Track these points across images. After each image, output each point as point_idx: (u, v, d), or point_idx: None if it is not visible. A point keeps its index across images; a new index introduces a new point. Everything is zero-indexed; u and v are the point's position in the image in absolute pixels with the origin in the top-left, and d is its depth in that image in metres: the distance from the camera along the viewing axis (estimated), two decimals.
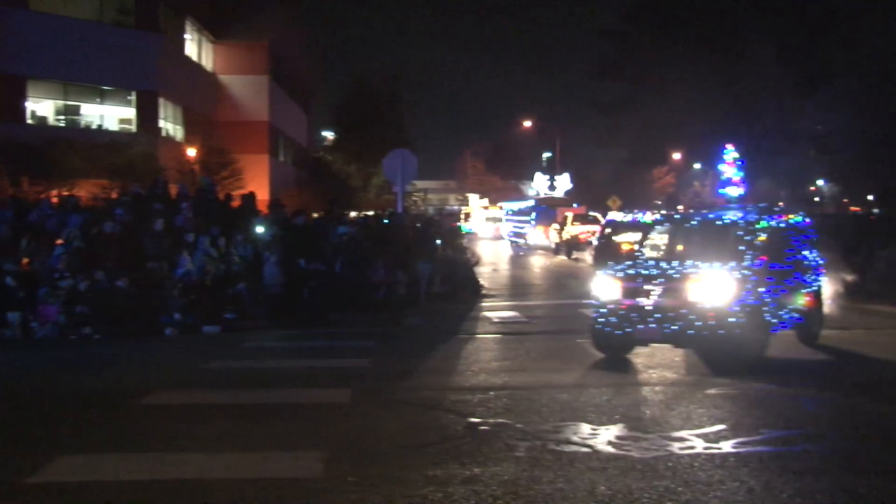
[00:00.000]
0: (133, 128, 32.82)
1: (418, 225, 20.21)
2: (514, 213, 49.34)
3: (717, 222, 11.75)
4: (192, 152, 34.91)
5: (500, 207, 59.25)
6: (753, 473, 6.09)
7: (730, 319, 9.78)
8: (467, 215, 64.50)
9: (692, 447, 6.79)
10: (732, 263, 10.41)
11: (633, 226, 25.33)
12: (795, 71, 35.19)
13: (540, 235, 40.86)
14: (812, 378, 9.75)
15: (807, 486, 5.79)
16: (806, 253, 12.19)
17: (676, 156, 70.32)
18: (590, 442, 6.96)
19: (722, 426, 7.43)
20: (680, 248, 11.91)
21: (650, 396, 8.78)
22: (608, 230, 27.08)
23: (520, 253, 40.18)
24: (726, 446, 6.80)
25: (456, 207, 73.48)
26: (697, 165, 70.15)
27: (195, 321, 13.81)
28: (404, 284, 17.33)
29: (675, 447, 6.78)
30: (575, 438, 7.07)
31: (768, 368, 9.99)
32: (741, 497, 5.60)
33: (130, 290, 13.84)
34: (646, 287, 10.32)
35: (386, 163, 19.93)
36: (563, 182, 60.92)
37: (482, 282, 20.81)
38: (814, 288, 12.08)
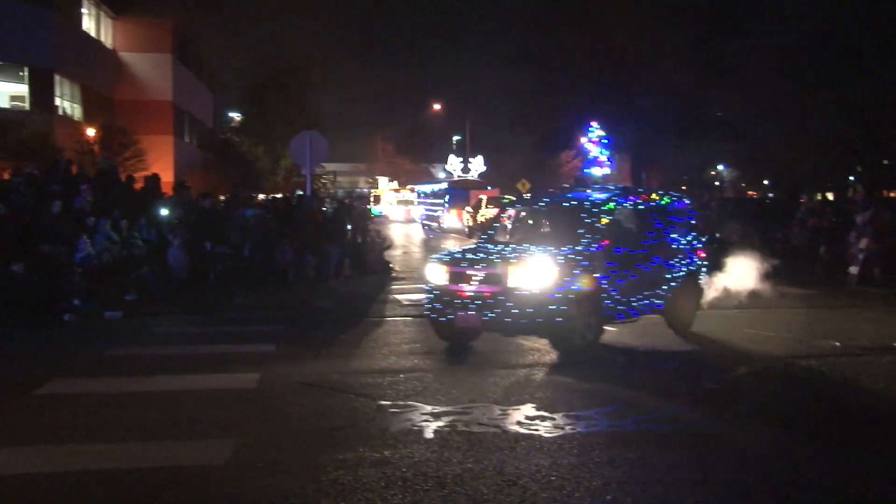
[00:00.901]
0: (27, 105, 31.37)
1: (325, 208, 20.02)
2: (427, 195, 48.60)
3: (564, 204, 11.51)
4: (91, 132, 33.60)
5: (412, 190, 58.84)
6: (654, 449, 6.28)
7: (550, 307, 9.43)
8: (377, 198, 63.76)
9: (597, 425, 6.96)
10: (565, 248, 10.10)
11: None
12: (699, 58, 36.29)
13: (453, 219, 40.43)
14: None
15: (702, 457, 6.01)
16: (677, 236, 11.88)
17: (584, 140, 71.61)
18: (498, 422, 7.05)
19: (625, 404, 7.63)
20: (525, 230, 11.80)
21: (558, 377, 8.94)
22: (522, 213, 27.39)
23: (431, 236, 39.78)
24: (629, 424, 7.00)
25: (365, 190, 72.96)
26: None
27: (96, 307, 13.34)
28: (313, 267, 17.15)
29: (582, 426, 6.94)
30: (484, 419, 7.14)
31: (654, 355, 10.30)
32: (643, 472, 5.77)
33: (26, 276, 13.26)
34: (468, 272, 9.98)
35: (294, 145, 19.61)
36: (477, 164, 59.70)
37: (393, 265, 20.79)
38: (682, 273, 11.76)
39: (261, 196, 35.56)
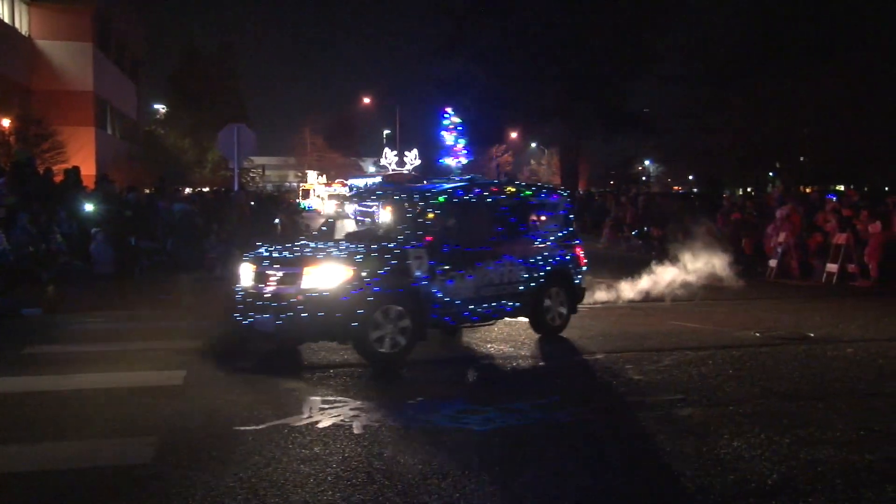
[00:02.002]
0: None
1: (253, 203, 19.75)
2: (361, 189, 48.11)
3: (394, 198, 10.92)
4: (6, 123, 32.36)
5: (345, 184, 58.01)
6: (586, 439, 6.36)
7: (344, 311, 8.66)
8: (306, 192, 62.61)
9: (528, 418, 7.01)
10: (375, 245, 9.38)
11: None
12: (623, 55, 36.81)
13: (388, 214, 39.90)
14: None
15: (632, 449, 6.11)
16: (543, 232, 11.20)
17: (514, 135, 72.25)
18: (429, 416, 7.04)
19: (556, 396, 7.71)
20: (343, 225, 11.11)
21: (488, 371, 8.98)
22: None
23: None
24: (560, 416, 7.07)
25: (294, 184, 71.99)
26: (534, 145, 72.40)
27: (13, 303, 12.87)
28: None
29: (513, 419, 6.98)
30: (415, 414, 7.13)
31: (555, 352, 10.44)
32: (573, 463, 5.84)
33: None
34: (268, 272, 9.20)
35: (221, 137, 19.26)
36: (412, 158, 57.70)
37: None
38: (548, 271, 10.95)
39: (188, 190, 34.84)
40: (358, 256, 9.03)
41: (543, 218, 11.45)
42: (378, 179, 44.86)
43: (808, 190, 30.05)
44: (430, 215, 9.95)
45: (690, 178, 53.69)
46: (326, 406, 7.39)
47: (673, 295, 14.31)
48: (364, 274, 8.86)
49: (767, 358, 9.52)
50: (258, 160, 57.88)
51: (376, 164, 75.69)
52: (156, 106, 61.42)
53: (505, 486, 5.40)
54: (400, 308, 9.09)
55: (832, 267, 17.19)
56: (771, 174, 38.87)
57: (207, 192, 27.23)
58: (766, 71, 32.09)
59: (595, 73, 36.71)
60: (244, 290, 9.39)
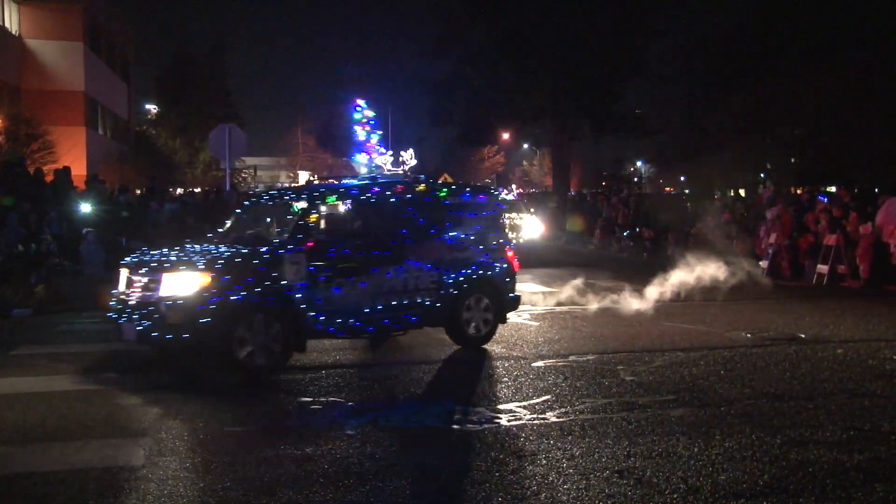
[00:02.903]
0: None
1: (247, 203, 19.68)
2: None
3: (285, 198, 10.39)
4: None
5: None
6: (576, 441, 6.37)
7: (202, 320, 8.13)
8: None
9: (519, 419, 7.01)
10: (246, 249, 8.90)
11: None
12: (614, 57, 36.85)
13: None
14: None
15: (623, 450, 6.12)
16: (463, 235, 10.34)
17: (506, 136, 72.28)
18: (420, 417, 7.04)
19: (547, 397, 7.72)
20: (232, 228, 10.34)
21: (478, 371, 8.98)
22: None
23: None
24: (551, 416, 7.08)
25: (286, 184, 71.68)
26: (526, 146, 72.42)
27: (3, 304, 12.82)
28: None
29: (504, 419, 6.98)
30: (406, 415, 7.12)
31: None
32: (564, 464, 5.84)
33: None
34: (134, 278, 8.82)
35: (212, 138, 19.26)
36: (408, 158, 54.72)
37: None
38: (470, 277, 10.17)
39: (178, 190, 34.73)
40: (220, 263, 8.42)
41: (467, 219, 10.49)
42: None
43: (798, 191, 30.14)
44: (313, 217, 9.38)
45: (682, 178, 53.80)
46: (318, 407, 7.39)
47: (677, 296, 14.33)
48: (226, 281, 8.28)
49: (758, 359, 9.55)
50: (249, 161, 57.65)
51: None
52: (147, 106, 61.25)
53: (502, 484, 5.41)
54: (268, 317, 8.48)
55: (822, 268, 17.25)
56: (762, 175, 38.97)
57: (199, 192, 27.13)
58: (758, 72, 32.17)
59: (587, 75, 36.72)
60: (116, 295, 9.07)
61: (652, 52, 39.21)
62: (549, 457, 5.99)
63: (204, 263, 8.45)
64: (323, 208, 9.83)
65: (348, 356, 9.74)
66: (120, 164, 40.24)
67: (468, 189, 11.48)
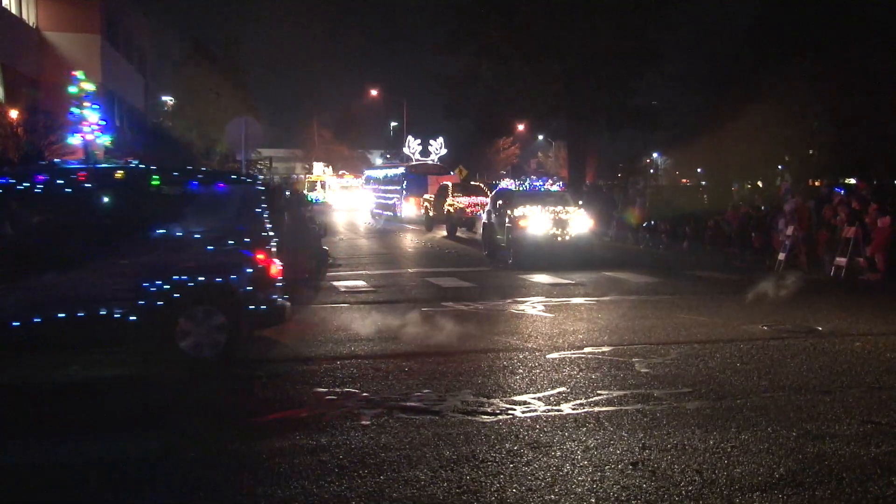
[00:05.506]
0: None
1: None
2: (380, 181, 43.01)
3: None
4: (14, 114, 32.36)
5: (357, 176, 55.75)
6: (590, 433, 6.36)
7: None
8: (313, 184, 59.38)
9: (534, 410, 7.01)
10: None
11: (532, 196, 21.22)
12: (628, 50, 36.63)
13: (412, 208, 36.15)
14: None
15: (638, 442, 6.10)
16: (191, 231, 8.82)
17: (520, 127, 72.08)
18: (436, 408, 7.05)
19: (562, 389, 7.71)
20: None
21: (494, 363, 8.98)
22: (500, 202, 21.26)
23: (378, 226, 36.14)
24: (566, 408, 7.07)
25: (301, 176, 71.61)
26: (541, 137, 72.25)
27: None
28: None
29: (518, 411, 6.98)
30: (421, 405, 7.14)
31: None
32: (578, 456, 5.83)
33: None
34: None
35: (229, 130, 19.31)
36: (438, 147, 50.69)
37: (335, 255, 20.59)
38: (175, 283, 8.54)
39: None
40: None
41: (196, 213, 8.98)
42: (401, 170, 40.93)
43: (816, 183, 29.88)
44: None
45: (699, 170, 53.48)
46: (333, 397, 7.41)
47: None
48: None
49: (775, 351, 9.49)
50: (265, 152, 57.74)
51: (383, 155, 75.48)
52: (163, 98, 61.51)
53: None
54: None
55: (841, 261, 17.10)
56: (780, 167, 38.68)
57: None
58: (775, 64, 31.90)
59: (600, 69, 36.53)
60: None
61: (665, 47, 38.97)
62: (563, 448, 5.98)
63: None
64: None
65: (363, 347, 9.76)
66: (136, 156, 40.41)
67: (200, 177, 9.31)
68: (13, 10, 36.11)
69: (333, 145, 78.42)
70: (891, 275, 16.09)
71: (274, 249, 9.16)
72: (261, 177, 10.58)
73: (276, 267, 9.13)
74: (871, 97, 27.71)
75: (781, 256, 18.51)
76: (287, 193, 20.87)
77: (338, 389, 7.69)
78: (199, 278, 8.67)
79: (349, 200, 52.89)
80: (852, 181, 27.28)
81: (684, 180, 53.66)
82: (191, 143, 52.88)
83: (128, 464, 5.67)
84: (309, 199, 32.48)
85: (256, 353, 9.38)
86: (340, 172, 61.17)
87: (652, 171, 68.19)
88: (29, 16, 37.89)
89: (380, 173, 45.21)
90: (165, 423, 6.62)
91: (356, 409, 7.01)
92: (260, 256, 8.96)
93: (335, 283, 15.77)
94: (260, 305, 8.92)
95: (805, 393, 7.58)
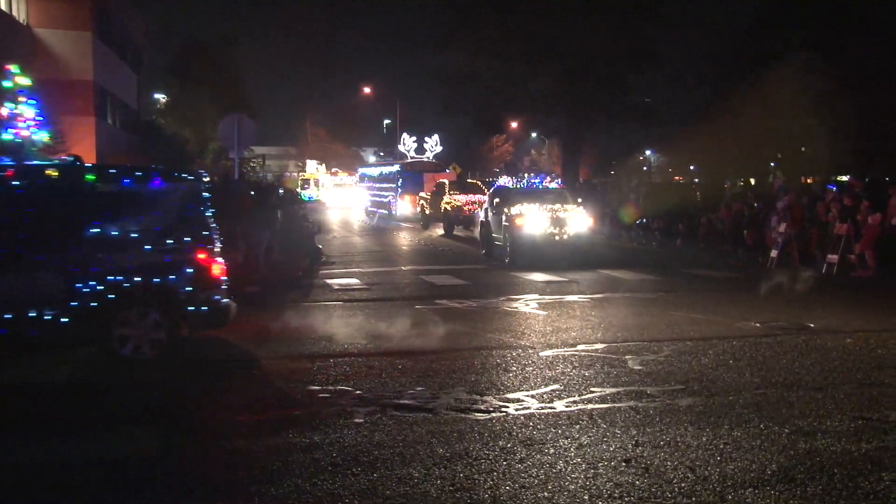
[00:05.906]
0: None
1: (252, 193, 19.70)
2: (375, 179, 42.76)
3: None
4: (5, 112, 32.19)
5: (351, 174, 55.90)
6: (584, 430, 6.37)
7: None
8: (306, 181, 59.69)
9: (527, 407, 7.02)
10: None
11: (530, 194, 20.81)
12: (623, 48, 36.70)
13: (408, 206, 36.22)
14: None
15: (631, 439, 6.12)
16: (126, 231, 8.56)
17: (514, 125, 72.05)
18: (429, 406, 7.05)
19: (555, 386, 7.72)
20: None
21: (487, 360, 8.99)
22: (497, 200, 20.79)
23: (372, 224, 36.19)
24: (559, 405, 7.08)
25: (294, 174, 71.46)
26: (534, 135, 72.24)
27: None
28: (242, 253, 16.86)
29: (512, 408, 6.99)
30: (414, 403, 7.14)
31: None
32: (572, 453, 5.85)
33: None
34: None
35: (222, 127, 19.29)
36: (433, 144, 51.40)
37: (328, 252, 20.59)
38: (109, 285, 8.39)
39: None
40: None
41: (131, 211, 8.71)
42: (396, 168, 40.73)
43: (809, 181, 29.96)
44: None
45: (692, 167, 53.62)
46: (327, 395, 7.42)
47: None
48: None
49: (767, 348, 9.52)
50: (258, 150, 57.61)
51: (377, 153, 75.40)
52: (157, 96, 61.32)
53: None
54: None
55: (833, 257, 17.17)
56: (772, 164, 38.77)
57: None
58: (773, 61, 31.95)
59: (597, 66, 36.58)
60: None
61: (661, 45, 39.08)
62: (556, 446, 6.00)
63: None
64: None
65: (356, 345, 9.77)
66: (129, 154, 40.34)
67: (138, 173, 9.02)
68: (3, 7, 35.95)
69: (327, 143, 78.27)
70: (882, 271, 16.16)
71: (217, 249, 8.95)
72: (205, 173, 10.25)
73: (219, 267, 8.92)
74: (869, 96, 27.78)
75: (774, 253, 18.56)
76: (280, 191, 20.89)
77: (331, 387, 7.70)
78: (136, 279, 8.49)
79: (343, 198, 52.92)
80: (845, 178, 27.34)
81: (677, 178, 53.71)
82: (185, 141, 52.78)
83: (127, 463, 5.67)
84: (302, 196, 32.44)
85: (247, 352, 9.38)
86: (334, 170, 61.11)
87: (645, 168, 68.24)
88: (19, 13, 37.72)
89: (375, 171, 45.13)
90: (163, 423, 6.61)
91: (349, 406, 7.01)
92: (201, 256, 8.77)
93: (328, 281, 15.77)
94: (201, 306, 8.74)
95: (797, 389, 7.61)
